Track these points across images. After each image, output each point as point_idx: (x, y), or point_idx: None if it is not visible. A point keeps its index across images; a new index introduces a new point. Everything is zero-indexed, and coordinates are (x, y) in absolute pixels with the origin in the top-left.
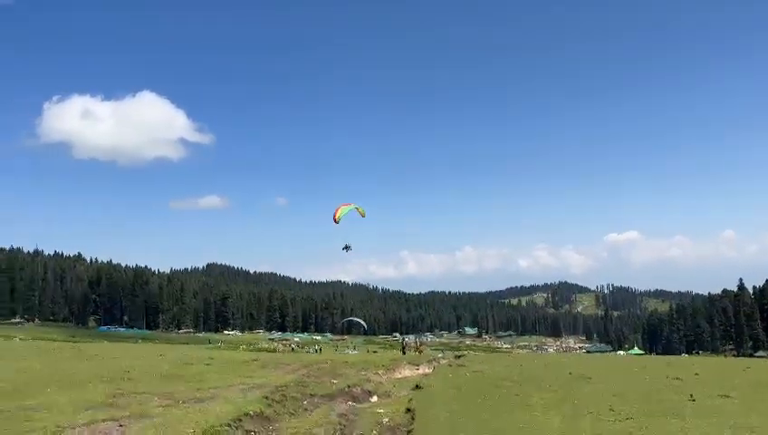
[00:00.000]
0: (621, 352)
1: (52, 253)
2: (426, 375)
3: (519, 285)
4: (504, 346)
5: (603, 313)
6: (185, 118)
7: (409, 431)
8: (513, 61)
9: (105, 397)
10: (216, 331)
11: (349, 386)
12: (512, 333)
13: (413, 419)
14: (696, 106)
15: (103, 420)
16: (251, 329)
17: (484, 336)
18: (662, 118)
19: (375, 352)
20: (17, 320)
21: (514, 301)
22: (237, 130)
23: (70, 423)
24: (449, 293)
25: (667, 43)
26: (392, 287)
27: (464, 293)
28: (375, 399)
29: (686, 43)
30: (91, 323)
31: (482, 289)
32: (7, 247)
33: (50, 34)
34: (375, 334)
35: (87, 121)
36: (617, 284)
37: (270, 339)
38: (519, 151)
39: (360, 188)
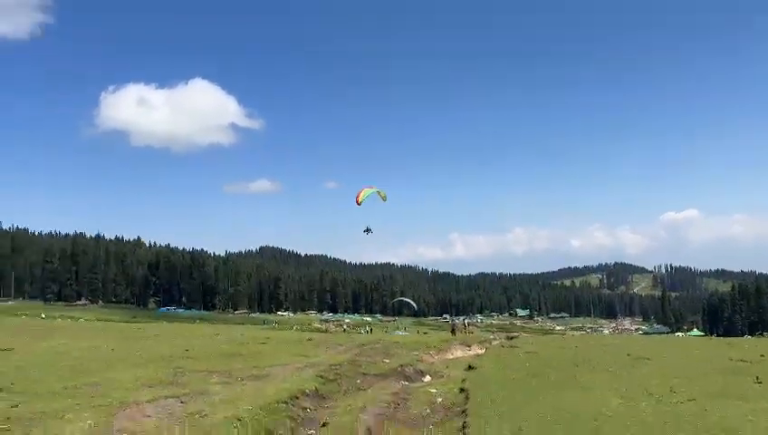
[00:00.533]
0: (680, 334)
1: (112, 237)
2: (478, 356)
3: (572, 266)
4: (557, 328)
5: (660, 293)
6: (235, 104)
7: (463, 411)
8: (561, 44)
9: (166, 374)
10: (270, 312)
11: (401, 366)
12: (564, 314)
13: (467, 398)
14: (756, 81)
15: (165, 397)
16: (303, 310)
17: (536, 318)
18: (719, 95)
19: (425, 332)
20: (82, 302)
21: (567, 282)
22: (287, 114)
23: (134, 399)
24: (499, 274)
25: (720, 23)
26: (441, 269)
27: (514, 274)
28: (427, 379)
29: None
30: (151, 305)
31: (533, 270)
32: (71, 233)
33: (103, 28)
34: (425, 316)
35: (142, 109)
36: (675, 264)
37: (322, 320)
38: (572, 131)
39: (409, 170)
